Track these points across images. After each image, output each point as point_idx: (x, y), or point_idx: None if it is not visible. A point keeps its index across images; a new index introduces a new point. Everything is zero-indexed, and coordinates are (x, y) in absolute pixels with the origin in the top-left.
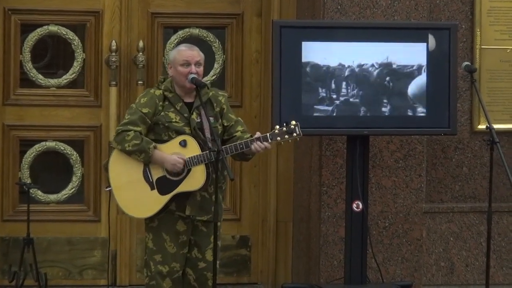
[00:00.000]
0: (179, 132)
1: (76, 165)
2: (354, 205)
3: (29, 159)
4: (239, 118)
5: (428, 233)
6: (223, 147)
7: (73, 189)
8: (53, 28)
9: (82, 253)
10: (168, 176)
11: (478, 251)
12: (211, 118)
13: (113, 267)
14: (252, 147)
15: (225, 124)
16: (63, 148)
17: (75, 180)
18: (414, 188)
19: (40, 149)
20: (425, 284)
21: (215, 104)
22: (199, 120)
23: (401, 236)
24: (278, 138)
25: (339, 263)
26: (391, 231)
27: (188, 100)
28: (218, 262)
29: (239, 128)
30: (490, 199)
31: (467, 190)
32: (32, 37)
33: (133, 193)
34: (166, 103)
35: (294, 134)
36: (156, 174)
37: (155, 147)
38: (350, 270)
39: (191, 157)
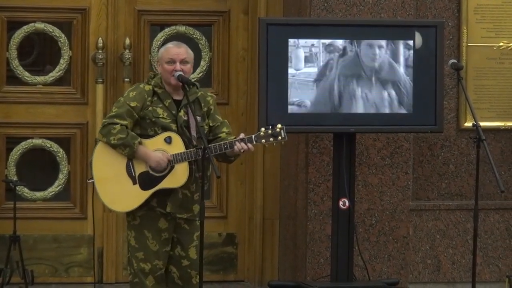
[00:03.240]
0: (165, 128)
1: (63, 163)
2: (341, 203)
3: (16, 156)
4: (226, 120)
5: (415, 230)
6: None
7: (60, 186)
8: (39, 25)
9: (68, 250)
10: (151, 171)
11: (464, 249)
12: (198, 117)
13: (99, 265)
14: (235, 147)
15: (211, 125)
16: (49, 146)
17: (62, 178)
18: (401, 185)
19: (26, 146)
20: (412, 282)
21: (202, 104)
22: (186, 118)
23: (388, 233)
24: (263, 141)
25: (326, 260)
26: (377, 229)
27: (177, 97)
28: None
29: (224, 129)
30: (476, 196)
31: (453, 188)
32: (19, 35)
33: (115, 187)
34: (155, 98)
35: (279, 137)
36: (139, 169)
37: (140, 143)
38: (337, 267)
39: (175, 154)
